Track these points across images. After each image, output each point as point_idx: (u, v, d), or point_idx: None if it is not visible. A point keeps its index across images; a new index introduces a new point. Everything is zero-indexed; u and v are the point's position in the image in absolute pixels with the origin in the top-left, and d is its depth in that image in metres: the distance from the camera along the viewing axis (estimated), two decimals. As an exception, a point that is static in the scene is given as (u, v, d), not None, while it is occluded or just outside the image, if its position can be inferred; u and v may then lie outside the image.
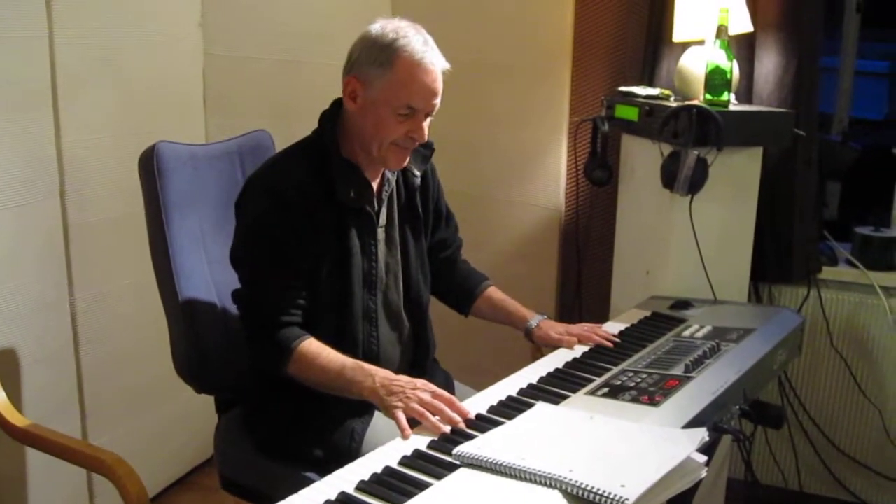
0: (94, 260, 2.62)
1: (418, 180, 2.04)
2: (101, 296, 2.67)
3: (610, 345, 2.07)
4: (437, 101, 1.85)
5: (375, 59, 1.80)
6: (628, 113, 2.57)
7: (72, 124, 2.50)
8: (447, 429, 1.61)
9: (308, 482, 1.44)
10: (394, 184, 1.99)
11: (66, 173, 2.50)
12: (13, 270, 2.34)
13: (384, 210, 1.97)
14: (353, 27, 3.08)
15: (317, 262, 1.84)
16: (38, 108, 2.40)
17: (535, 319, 2.17)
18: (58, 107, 2.45)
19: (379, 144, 1.85)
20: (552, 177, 3.11)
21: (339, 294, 1.88)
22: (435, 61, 1.81)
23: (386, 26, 1.82)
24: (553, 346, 2.11)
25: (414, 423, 1.64)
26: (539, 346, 2.19)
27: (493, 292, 2.25)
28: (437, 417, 1.63)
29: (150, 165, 1.98)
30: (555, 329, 2.15)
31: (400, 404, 1.67)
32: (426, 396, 1.67)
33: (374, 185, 1.94)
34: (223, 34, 3.08)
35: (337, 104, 1.92)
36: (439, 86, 1.83)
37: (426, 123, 1.86)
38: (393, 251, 2.00)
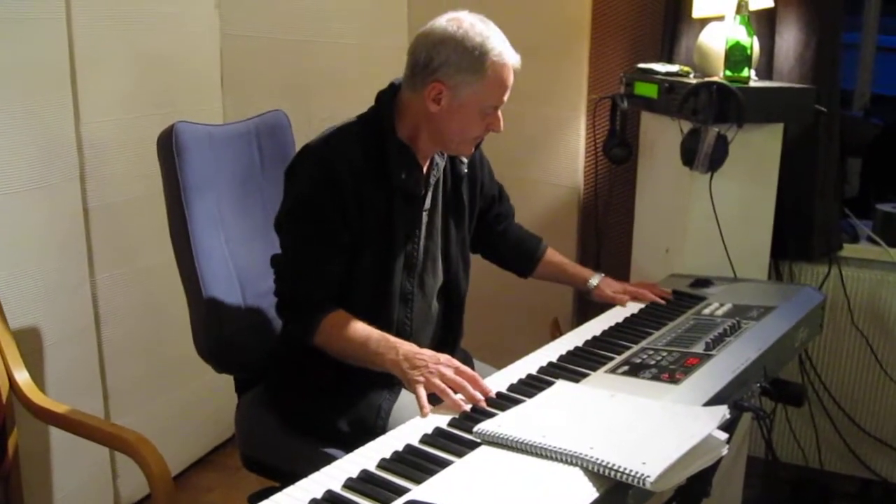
0: (114, 241, 2.64)
1: (465, 168, 2.04)
2: (122, 277, 2.69)
3: (663, 302, 2.21)
4: None
5: (467, 65, 1.79)
6: (647, 90, 2.55)
7: (90, 105, 2.51)
8: (468, 407, 1.62)
9: (330, 459, 1.45)
10: (441, 169, 2.00)
11: (85, 154, 2.51)
12: (35, 252, 2.35)
13: (430, 194, 1.97)
14: (368, 7, 3.10)
15: (360, 240, 1.85)
16: (56, 90, 2.40)
17: (595, 279, 2.28)
18: (76, 88, 2.46)
19: (461, 141, 1.89)
20: (571, 155, 3.09)
21: (379, 274, 1.88)
22: (514, 57, 1.84)
23: (462, 25, 1.80)
24: (610, 302, 2.25)
25: (435, 399, 1.65)
26: (593, 306, 2.30)
27: (552, 255, 2.34)
28: (460, 395, 1.64)
29: (169, 146, 1.99)
30: (611, 287, 2.28)
31: (422, 379, 1.67)
32: (449, 372, 1.68)
33: (424, 168, 1.95)
34: (240, 14, 3.08)
35: (393, 84, 1.92)
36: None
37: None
38: (434, 235, 2.00)
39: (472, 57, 1.79)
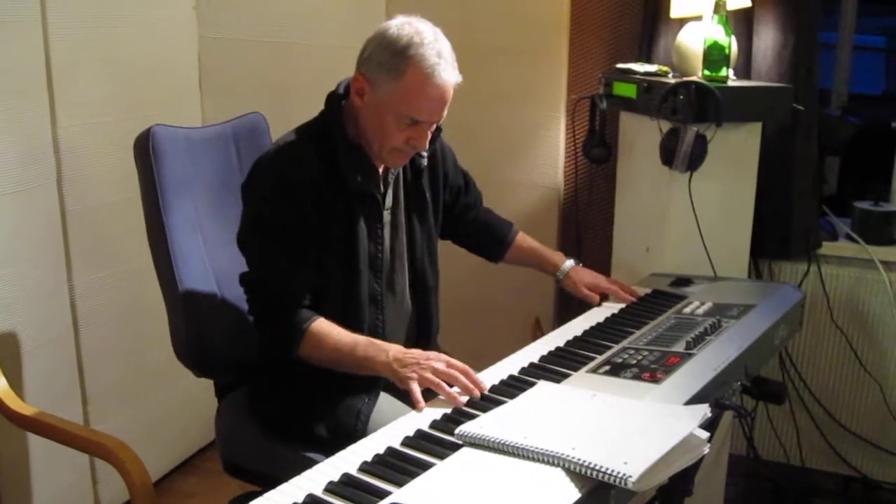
0: (92, 245, 2.62)
1: (425, 161, 2.02)
2: (100, 281, 2.67)
3: (633, 300, 2.20)
4: (444, 112, 1.82)
5: (386, 64, 1.76)
6: (626, 90, 2.55)
7: (67, 109, 2.49)
8: (464, 399, 1.62)
9: (311, 463, 1.44)
10: (399, 166, 1.98)
11: (62, 159, 2.49)
12: (12, 257, 2.33)
13: (390, 193, 1.96)
14: (346, 9, 3.09)
15: (324, 246, 1.84)
16: (32, 94, 2.38)
17: (566, 265, 2.27)
18: (53, 92, 2.44)
19: (380, 145, 1.84)
20: (551, 155, 3.09)
21: (345, 278, 1.87)
22: (446, 76, 1.77)
23: (403, 28, 1.77)
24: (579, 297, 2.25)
25: (428, 395, 1.65)
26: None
27: (523, 240, 2.31)
28: (455, 388, 1.64)
29: (146, 149, 1.97)
30: (583, 280, 2.25)
31: (414, 375, 1.67)
32: (441, 366, 1.68)
33: (380, 168, 1.93)
34: (218, 17, 3.07)
35: (344, 86, 1.90)
36: (448, 99, 1.80)
37: (430, 131, 1.85)
38: (398, 234, 1.99)
39: (393, 57, 1.75)
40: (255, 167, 1.88)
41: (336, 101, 1.90)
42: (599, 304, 2.21)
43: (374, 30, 1.82)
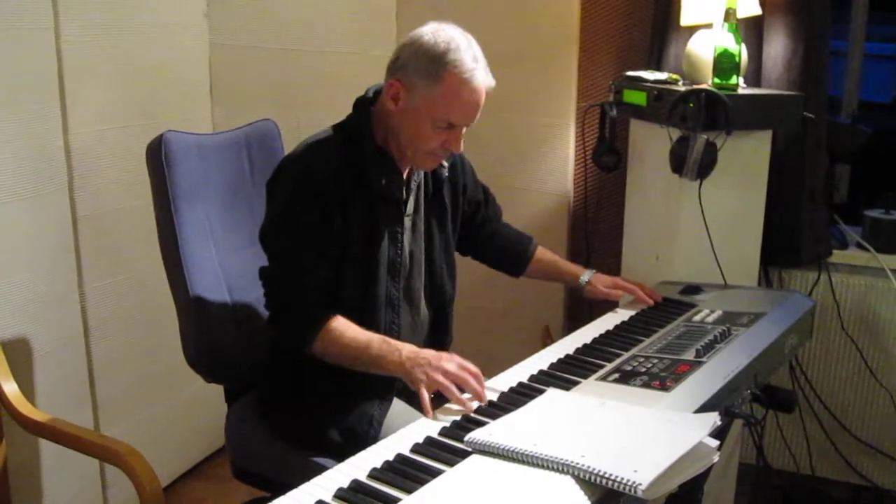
0: (103, 251, 2.63)
1: (446, 171, 2.04)
2: (111, 287, 2.68)
3: (651, 302, 2.25)
4: (478, 116, 1.84)
5: (424, 69, 1.78)
6: (636, 98, 2.55)
7: (79, 116, 2.51)
8: (473, 405, 1.63)
9: (320, 469, 1.44)
10: (422, 174, 2.00)
11: (74, 165, 2.50)
12: (23, 262, 2.34)
13: (412, 198, 1.98)
14: (357, 17, 3.10)
15: (344, 246, 1.85)
16: (45, 101, 2.40)
17: (586, 275, 2.30)
18: (65, 99, 2.46)
19: (414, 149, 1.86)
20: (560, 163, 3.10)
21: (364, 280, 1.88)
22: (482, 80, 1.80)
23: (438, 34, 1.80)
24: (602, 299, 2.29)
25: (439, 400, 1.66)
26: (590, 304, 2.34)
27: (543, 253, 2.34)
28: (466, 395, 1.65)
29: (158, 155, 1.98)
30: (602, 282, 2.29)
31: (423, 377, 1.69)
32: (452, 367, 1.69)
33: (404, 173, 1.94)
34: (229, 24, 3.08)
35: (374, 91, 1.92)
36: (482, 102, 1.83)
37: (463, 134, 1.87)
38: (418, 239, 2.00)
39: (431, 63, 1.78)
40: (281, 164, 1.90)
41: (365, 105, 1.92)
42: (618, 300, 2.26)
43: (407, 37, 1.84)
